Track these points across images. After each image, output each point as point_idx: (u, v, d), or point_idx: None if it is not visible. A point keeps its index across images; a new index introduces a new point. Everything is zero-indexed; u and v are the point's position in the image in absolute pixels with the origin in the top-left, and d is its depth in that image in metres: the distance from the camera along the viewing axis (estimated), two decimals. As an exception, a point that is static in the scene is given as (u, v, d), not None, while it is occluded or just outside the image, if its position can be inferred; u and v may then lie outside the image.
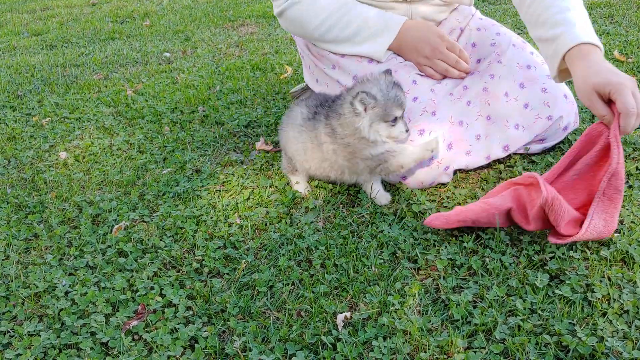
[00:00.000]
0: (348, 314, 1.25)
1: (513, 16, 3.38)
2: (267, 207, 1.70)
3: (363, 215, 1.62)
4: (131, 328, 1.29)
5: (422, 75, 1.80)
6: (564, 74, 1.58)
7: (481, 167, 1.79)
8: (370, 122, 1.56)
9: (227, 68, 2.93)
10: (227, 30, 3.81)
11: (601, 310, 1.20)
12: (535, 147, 1.83)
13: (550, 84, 1.78)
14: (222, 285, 1.41)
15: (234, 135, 2.18)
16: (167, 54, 3.38)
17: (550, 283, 1.29)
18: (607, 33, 2.84)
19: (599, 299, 1.23)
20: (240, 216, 1.66)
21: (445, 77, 1.81)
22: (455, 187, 1.72)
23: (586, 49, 1.47)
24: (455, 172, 1.75)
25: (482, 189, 1.69)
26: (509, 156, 1.82)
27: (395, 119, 1.57)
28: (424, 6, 1.88)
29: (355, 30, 1.79)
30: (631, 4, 3.28)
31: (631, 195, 1.56)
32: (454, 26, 1.95)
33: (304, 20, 1.81)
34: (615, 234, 1.41)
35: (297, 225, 1.61)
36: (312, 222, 1.61)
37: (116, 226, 1.67)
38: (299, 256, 1.47)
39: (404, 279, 1.35)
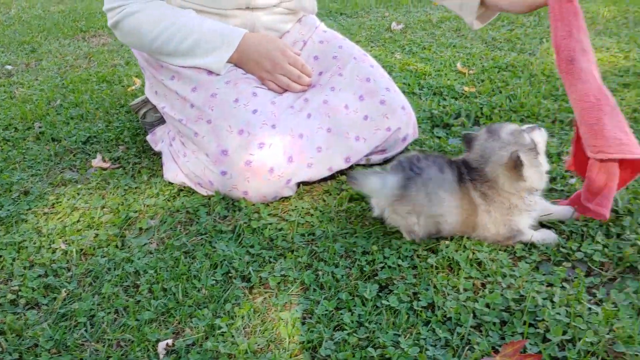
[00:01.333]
0: (170, 341, 1.18)
1: (368, 29, 3.46)
2: (97, 230, 1.59)
3: (200, 235, 1.55)
4: None
5: (262, 87, 1.77)
6: (480, 19, 1.71)
7: (324, 179, 1.78)
8: (536, 166, 1.39)
9: (72, 81, 2.76)
10: (78, 42, 3.61)
11: (425, 319, 1.21)
12: (376, 158, 1.85)
13: (388, 97, 1.81)
14: (39, 317, 1.29)
15: (70, 153, 2.05)
16: (9, 67, 3.14)
17: (380, 294, 1.29)
18: (453, 46, 2.96)
19: (424, 307, 1.24)
20: (66, 240, 1.54)
21: (287, 90, 1.79)
22: (298, 199, 1.69)
23: None
24: (298, 184, 1.73)
25: (324, 200, 1.68)
26: (351, 167, 1.82)
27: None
28: (267, 15, 1.85)
29: (194, 44, 1.73)
30: (476, 18, 3.45)
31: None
32: (297, 38, 1.94)
33: (140, 33, 1.72)
34: (446, 241, 1.44)
35: (128, 248, 1.52)
36: (144, 244, 1.52)
37: None
38: (126, 281, 1.38)
39: (235, 300, 1.30)
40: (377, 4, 4.10)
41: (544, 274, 1.33)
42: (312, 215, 1.61)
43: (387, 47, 3.05)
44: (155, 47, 1.73)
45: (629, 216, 1.49)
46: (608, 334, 1.13)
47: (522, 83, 2.34)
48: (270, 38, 1.79)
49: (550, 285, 1.29)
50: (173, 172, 1.79)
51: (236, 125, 1.64)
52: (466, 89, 2.33)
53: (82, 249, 1.51)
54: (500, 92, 2.28)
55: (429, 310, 1.23)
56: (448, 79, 2.46)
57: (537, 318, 1.19)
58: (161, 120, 2.05)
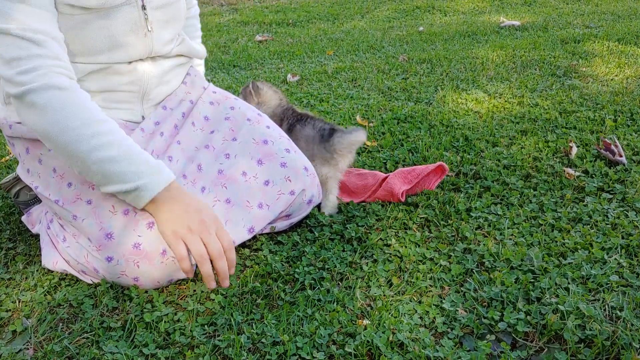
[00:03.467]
0: None
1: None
2: (-40, 338, 1.36)
3: (85, 334, 1.35)
4: None
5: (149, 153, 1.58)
6: None
7: (225, 255, 1.62)
8: None
9: None
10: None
11: (348, 422, 1.07)
12: (282, 225, 1.72)
13: (289, 158, 1.70)
14: None
15: None
16: None
17: (295, 394, 1.14)
18: (351, 97, 2.91)
19: (345, 407, 1.10)
20: None
21: (179, 144, 1.62)
22: (197, 281, 1.52)
23: None
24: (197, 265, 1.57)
25: (226, 280, 1.52)
26: (255, 238, 1.69)
27: None
28: (157, 67, 1.66)
29: (121, 160, 1.38)
30: (372, 67, 3.44)
31: (375, 271, 1.50)
32: (184, 98, 1.78)
33: (67, 116, 1.35)
34: (365, 321, 1.32)
35: (-3, 358, 1.29)
36: (19, 351, 1.30)
37: None
38: (-6, 404, 1.16)
39: (128, 416, 1.11)
40: (270, 55, 4.03)
41: (468, 350, 1.24)
42: (212, 300, 1.45)
43: (284, 100, 2.95)
44: (83, 149, 1.36)
45: (546, 276, 1.43)
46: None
47: (423, 135, 2.30)
48: (204, 203, 1.48)
49: (476, 363, 1.20)
50: (52, 259, 1.58)
51: (120, 204, 1.46)
52: (368, 143, 2.27)
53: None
54: (402, 144, 2.23)
55: (351, 409, 1.10)
56: (349, 133, 2.39)
57: (468, 407, 1.08)
58: (37, 199, 1.82)
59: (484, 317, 1.33)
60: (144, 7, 1.57)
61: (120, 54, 1.56)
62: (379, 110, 2.65)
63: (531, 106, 2.55)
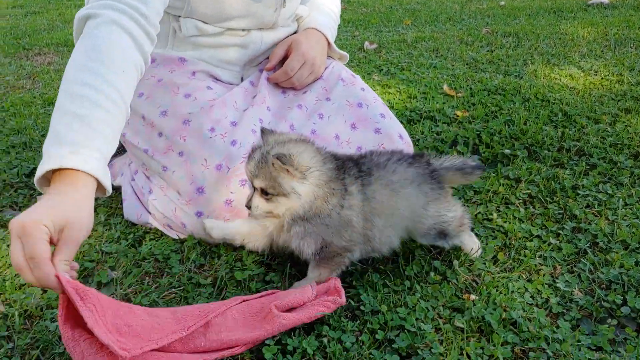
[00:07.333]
0: None
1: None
2: (46, 285, 1.31)
3: (173, 289, 1.29)
4: None
5: (242, 113, 1.51)
6: None
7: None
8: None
9: (13, 104, 2.45)
10: (20, 60, 3.27)
11: (464, 402, 0.98)
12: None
13: (384, 124, 1.59)
14: (-31, 409, 1.00)
15: (11, 187, 1.75)
16: (-58, 87, 2.80)
17: (402, 367, 1.06)
18: (434, 67, 2.78)
19: (459, 385, 1.01)
20: (6, 300, 1.26)
21: (270, 111, 1.55)
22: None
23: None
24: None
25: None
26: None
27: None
28: (273, 32, 1.65)
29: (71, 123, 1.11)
30: (454, 38, 3.29)
31: (486, 246, 1.39)
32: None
33: (82, 50, 1.24)
34: (472, 296, 1.22)
35: (84, 307, 1.24)
36: (106, 302, 1.25)
37: None
38: (84, 354, 1.10)
39: (223, 377, 1.05)
40: (345, 23, 3.91)
41: (587, 334, 1.12)
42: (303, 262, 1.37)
43: (362, 68, 2.84)
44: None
45: (672, 262, 1.30)
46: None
47: (517, 107, 2.16)
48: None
49: (598, 349, 1.09)
50: (135, 212, 1.53)
51: (213, 158, 1.39)
52: (458, 113, 2.14)
53: (26, 311, 1.23)
54: (496, 117, 2.10)
55: (466, 389, 1.01)
56: (437, 102, 2.27)
57: (598, 397, 0.97)
58: (119, 151, 1.77)
59: (604, 300, 1.21)
60: None
61: (246, 23, 1.54)
62: (466, 81, 2.51)
63: (632, 85, 2.38)
